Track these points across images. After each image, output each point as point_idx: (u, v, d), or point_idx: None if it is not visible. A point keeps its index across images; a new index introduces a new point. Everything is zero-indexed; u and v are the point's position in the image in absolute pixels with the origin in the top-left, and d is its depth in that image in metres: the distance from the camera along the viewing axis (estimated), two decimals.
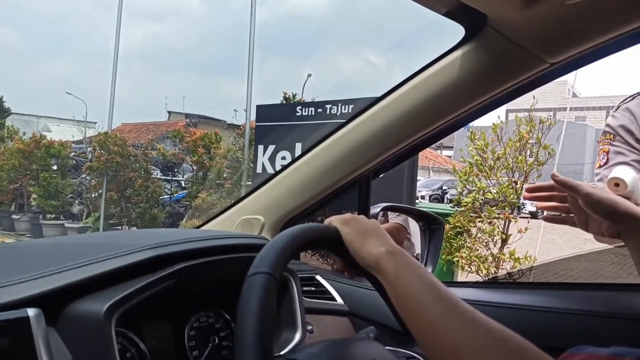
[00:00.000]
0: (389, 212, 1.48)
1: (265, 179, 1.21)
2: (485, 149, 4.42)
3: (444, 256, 4.24)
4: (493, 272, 4.19)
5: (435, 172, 20.97)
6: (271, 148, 4.51)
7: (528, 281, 4.02)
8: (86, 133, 10.88)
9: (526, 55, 0.87)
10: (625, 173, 0.85)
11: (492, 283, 3.16)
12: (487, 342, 0.49)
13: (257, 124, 5.01)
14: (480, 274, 4.20)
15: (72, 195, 9.56)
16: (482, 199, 4.39)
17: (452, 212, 4.63)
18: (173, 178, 9.74)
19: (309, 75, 8.23)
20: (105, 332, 0.58)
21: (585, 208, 0.81)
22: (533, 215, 6.42)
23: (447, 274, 4.35)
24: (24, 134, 11.00)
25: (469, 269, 4.28)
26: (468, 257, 4.26)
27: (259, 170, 4.57)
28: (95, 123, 11.87)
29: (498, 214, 4.29)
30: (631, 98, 1.21)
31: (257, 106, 5.11)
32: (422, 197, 14.70)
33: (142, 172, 8.62)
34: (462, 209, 4.47)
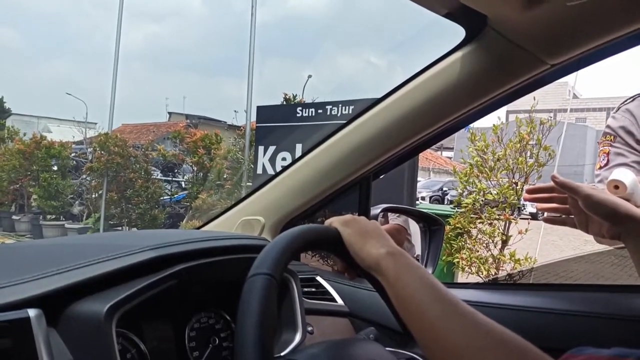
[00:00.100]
0: (389, 213, 1.48)
1: (266, 180, 1.21)
2: (485, 150, 4.42)
3: (444, 257, 4.24)
4: (493, 274, 4.19)
5: (435, 173, 20.97)
6: (271, 149, 4.51)
7: (528, 282, 4.02)
8: (86, 134, 10.89)
9: (527, 57, 0.87)
10: (624, 175, 0.85)
11: (492, 284, 3.16)
12: (487, 343, 0.49)
13: (257, 124, 5.01)
14: (481, 275, 4.20)
15: (72, 196, 9.56)
16: (482, 200, 4.38)
17: (452, 213, 4.63)
18: (173, 179, 9.74)
19: (310, 76, 8.27)
20: (106, 332, 0.58)
21: (585, 209, 0.81)
22: (533, 217, 6.41)
23: (448, 275, 4.35)
24: (25, 134, 11.01)
25: (469, 270, 4.28)
26: (468, 258, 4.26)
27: (259, 171, 4.57)
28: (96, 124, 11.88)
29: (498, 215, 4.29)
30: (631, 99, 1.21)
31: (258, 107, 5.11)
32: (423, 198, 14.68)
33: (143, 173, 8.62)
34: (463, 210, 4.47)
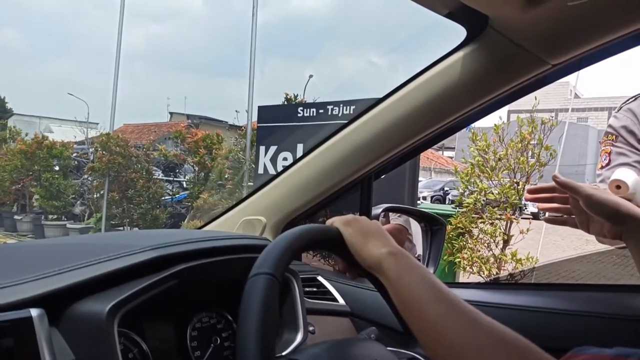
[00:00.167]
0: (390, 213, 1.48)
1: (267, 180, 1.21)
2: (487, 149, 4.42)
3: (445, 257, 4.24)
4: (495, 273, 4.18)
5: (436, 173, 20.95)
6: (273, 149, 4.52)
7: (530, 282, 4.01)
8: (88, 134, 10.90)
9: (528, 57, 0.87)
10: (627, 175, 0.85)
11: (493, 284, 3.16)
12: (489, 343, 0.49)
13: (258, 124, 5.02)
14: (482, 275, 4.20)
15: (74, 196, 9.58)
16: (483, 200, 4.38)
17: (453, 213, 4.63)
18: (175, 179, 9.75)
19: (311, 76, 8.26)
20: (108, 332, 0.59)
21: (587, 209, 0.81)
22: (535, 216, 6.40)
23: (449, 275, 4.35)
24: (26, 134, 11.02)
25: (471, 270, 4.28)
26: (470, 258, 4.26)
27: (260, 171, 4.58)
28: (97, 124, 11.87)
29: (500, 214, 4.29)
30: (633, 99, 1.21)
31: (259, 107, 5.12)
32: (424, 198, 14.68)
33: (144, 173, 8.63)
34: (464, 209, 4.47)
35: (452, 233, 4.36)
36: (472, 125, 1.31)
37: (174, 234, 0.86)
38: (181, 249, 0.74)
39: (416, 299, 0.56)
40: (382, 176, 1.23)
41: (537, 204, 0.94)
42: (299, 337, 0.79)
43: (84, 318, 0.60)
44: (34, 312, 0.56)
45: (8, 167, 9.43)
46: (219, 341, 0.82)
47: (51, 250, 0.83)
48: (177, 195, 9.35)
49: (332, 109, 4.36)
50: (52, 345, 0.56)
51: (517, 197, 4.25)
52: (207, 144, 8.49)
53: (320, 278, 1.08)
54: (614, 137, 1.19)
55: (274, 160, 4.49)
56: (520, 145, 4.34)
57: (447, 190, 15.53)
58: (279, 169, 4.26)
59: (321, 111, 4.43)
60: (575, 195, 0.82)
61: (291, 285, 0.83)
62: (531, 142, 4.38)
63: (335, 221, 0.68)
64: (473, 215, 4.39)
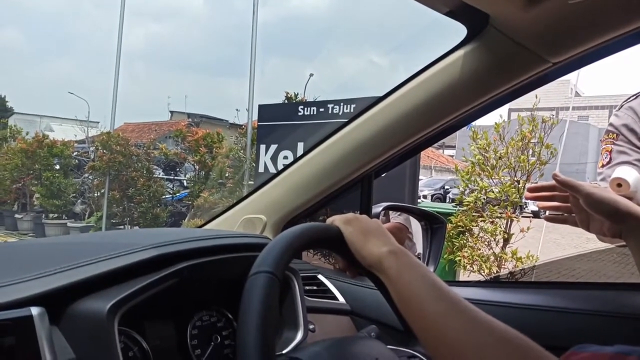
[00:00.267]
0: (390, 212, 1.48)
1: (267, 179, 1.21)
2: (487, 148, 4.41)
3: (446, 255, 4.24)
4: (495, 272, 4.19)
5: (437, 172, 20.95)
6: (273, 147, 4.52)
7: (530, 280, 4.02)
8: (89, 133, 10.92)
9: (528, 55, 0.87)
10: (628, 173, 0.85)
11: (494, 282, 3.16)
12: (489, 341, 0.49)
13: (259, 123, 5.02)
14: (482, 274, 4.20)
15: (74, 194, 9.59)
16: (484, 199, 4.39)
17: (454, 211, 4.63)
18: (175, 177, 9.76)
19: (311, 75, 8.24)
20: (108, 330, 0.59)
21: (587, 208, 0.81)
22: (535, 215, 6.41)
23: (449, 273, 4.35)
24: (27, 133, 11.04)
25: (471, 268, 4.28)
26: (470, 257, 4.26)
27: (261, 169, 4.59)
28: (98, 123, 11.88)
29: (500, 213, 4.29)
30: (634, 97, 1.21)
31: (259, 106, 5.12)
32: (424, 197, 14.70)
33: (145, 172, 8.64)
34: (464, 208, 4.47)
35: (452, 231, 4.36)
36: (473, 123, 1.31)
37: (175, 232, 0.86)
38: (182, 248, 0.74)
39: (416, 297, 0.56)
40: (383, 175, 1.23)
41: (537, 202, 0.94)
42: (299, 336, 0.79)
43: (84, 316, 0.60)
44: (35, 310, 0.56)
45: (9, 165, 9.44)
46: (219, 340, 0.82)
47: (52, 249, 0.83)
48: (177, 194, 9.36)
49: (333, 108, 4.36)
50: (52, 344, 0.56)
51: (518, 196, 4.25)
52: (208, 143, 8.49)
53: (320, 276, 1.08)
54: (614, 135, 1.19)
55: (274, 159, 4.49)
56: (520, 143, 4.34)
57: (447, 189, 15.53)
58: (280, 167, 4.26)
59: (321, 110, 4.44)
60: (576, 194, 0.82)
61: (291, 283, 0.83)
62: (532, 141, 4.38)
63: (336, 220, 0.68)
64: (473, 214, 4.39)
